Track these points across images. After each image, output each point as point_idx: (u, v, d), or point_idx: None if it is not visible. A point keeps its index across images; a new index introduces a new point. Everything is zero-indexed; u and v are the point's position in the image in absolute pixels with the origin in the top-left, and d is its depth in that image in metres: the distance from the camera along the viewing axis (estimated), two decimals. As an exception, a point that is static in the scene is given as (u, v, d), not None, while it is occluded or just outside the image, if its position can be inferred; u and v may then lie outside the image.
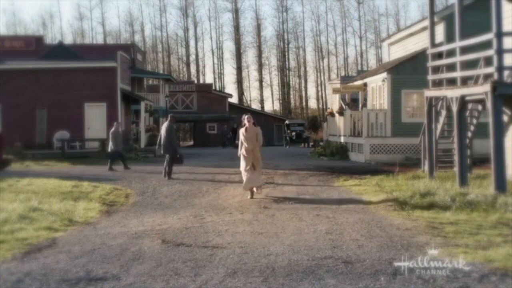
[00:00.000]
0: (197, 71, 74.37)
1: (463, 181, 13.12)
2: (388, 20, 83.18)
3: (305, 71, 74.38)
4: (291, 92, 75.63)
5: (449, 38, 17.32)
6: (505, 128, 12.99)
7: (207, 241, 7.78)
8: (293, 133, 49.20)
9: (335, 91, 31.91)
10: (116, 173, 19.15)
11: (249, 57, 76.36)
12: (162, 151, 18.26)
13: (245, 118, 13.11)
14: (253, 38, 73.91)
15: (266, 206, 11.31)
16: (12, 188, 14.06)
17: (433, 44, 15.83)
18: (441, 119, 15.93)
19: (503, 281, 5.63)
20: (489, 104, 11.99)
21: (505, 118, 13.34)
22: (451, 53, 14.73)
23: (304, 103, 75.03)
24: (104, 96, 29.60)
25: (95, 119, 29.58)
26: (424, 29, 21.19)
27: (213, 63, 75.65)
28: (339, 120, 27.96)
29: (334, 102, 33.71)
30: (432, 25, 16.02)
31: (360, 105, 28.14)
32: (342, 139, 27.04)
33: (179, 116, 43.00)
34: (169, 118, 18.18)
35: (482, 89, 12.22)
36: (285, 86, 73.62)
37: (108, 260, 6.70)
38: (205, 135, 53.60)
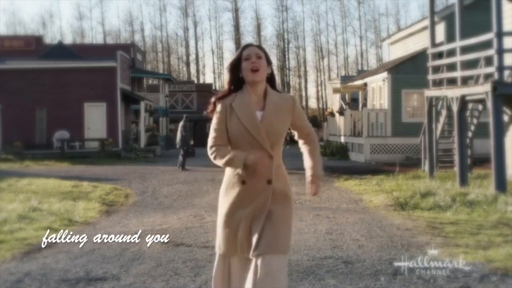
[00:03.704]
0: (197, 71, 74.34)
1: (463, 181, 13.11)
2: (388, 19, 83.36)
3: (305, 71, 74.40)
4: (291, 92, 75.60)
5: (450, 38, 17.31)
6: (505, 128, 12.98)
7: (207, 241, 7.75)
8: (294, 133, 49.31)
9: (335, 91, 31.90)
10: (117, 173, 19.13)
11: (249, 57, 76.31)
12: (178, 146, 21.02)
13: (251, 53, 3.78)
14: (253, 38, 73.82)
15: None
16: (12, 188, 14.06)
17: (434, 44, 15.81)
18: (442, 119, 15.93)
19: (504, 281, 5.61)
20: (489, 104, 11.98)
21: (506, 118, 13.33)
22: (451, 53, 14.72)
23: (304, 103, 75.01)
24: (104, 96, 29.59)
25: (95, 119, 29.58)
26: (424, 28, 21.18)
27: (213, 63, 75.61)
28: (339, 120, 27.95)
29: (334, 102, 33.69)
30: (433, 24, 16.01)
31: (360, 105, 28.14)
32: (342, 139, 27.03)
33: (178, 116, 42.96)
34: (184, 118, 21.13)
35: (483, 89, 12.21)
36: (285, 85, 73.57)
37: (108, 260, 6.68)
38: (205, 135, 53.54)
